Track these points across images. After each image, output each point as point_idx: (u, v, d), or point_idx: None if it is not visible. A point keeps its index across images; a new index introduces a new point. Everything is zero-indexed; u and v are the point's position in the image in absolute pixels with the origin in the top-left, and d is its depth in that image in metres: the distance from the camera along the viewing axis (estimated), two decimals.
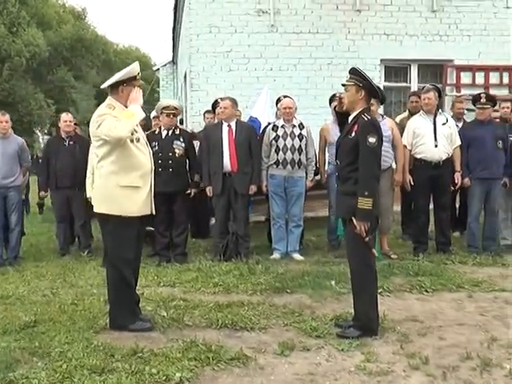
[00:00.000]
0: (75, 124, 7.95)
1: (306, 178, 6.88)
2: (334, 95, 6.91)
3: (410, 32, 10.32)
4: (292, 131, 6.77)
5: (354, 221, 4.07)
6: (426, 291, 5.36)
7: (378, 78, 9.98)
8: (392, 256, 6.67)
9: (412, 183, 6.72)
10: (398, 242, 7.49)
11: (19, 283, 5.95)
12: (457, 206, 7.77)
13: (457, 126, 7.03)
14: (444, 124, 6.65)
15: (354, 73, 4.19)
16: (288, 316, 4.66)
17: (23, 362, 3.73)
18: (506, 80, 10.44)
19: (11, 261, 6.95)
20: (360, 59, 9.91)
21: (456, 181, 6.74)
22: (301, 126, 6.82)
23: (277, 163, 6.76)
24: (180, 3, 12.90)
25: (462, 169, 6.74)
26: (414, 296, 5.26)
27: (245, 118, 7.95)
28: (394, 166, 6.71)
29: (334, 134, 6.74)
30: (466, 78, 10.41)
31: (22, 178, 7.29)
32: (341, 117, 4.43)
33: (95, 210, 4.34)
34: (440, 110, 6.83)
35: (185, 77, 12.50)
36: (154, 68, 21.83)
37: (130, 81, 4.23)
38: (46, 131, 33.14)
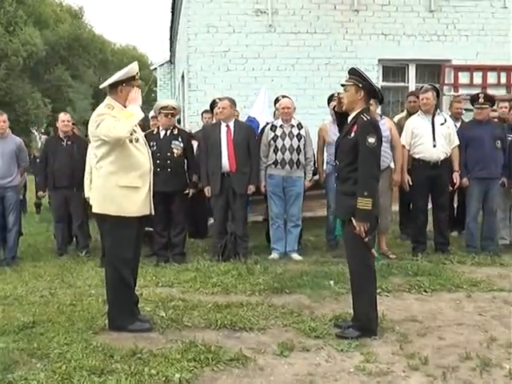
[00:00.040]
0: (73, 124, 7.93)
1: (305, 178, 6.87)
2: (332, 95, 6.91)
3: (408, 32, 10.34)
4: (290, 131, 6.76)
5: (354, 221, 4.07)
6: (425, 291, 5.36)
7: (375, 78, 9.99)
8: (390, 256, 6.67)
9: (410, 183, 6.72)
10: (396, 242, 7.50)
11: (17, 283, 5.92)
12: (455, 205, 7.78)
13: (455, 125, 7.03)
14: (442, 124, 6.65)
15: (354, 73, 4.19)
16: (287, 316, 4.65)
17: (22, 363, 3.71)
18: (503, 80, 10.48)
19: (9, 261, 6.92)
20: (358, 59, 9.93)
21: (454, 181, 6.74)
22: (299, 126, 6.81)
23: (275, 163, 6.76)
24: (178, 3, 12.89)
25: (460, 169, 6.74)
26: (412, 296, 5.26)
27: (243, 118, 7.94)
28: (392, 165, 6.71)
29: (333, 133, 6.75)
30: (463, 77, 10.45)
31: (20, 178, 7.27)
32: (340, 117, 4.43)
33: (94, 210, 4.33)
34: (438, 110, 6.83)
35: (182, 77, 12.47)
36: (152, 68, 21.76)
37: (129, 81, 4.22)
38: (42, 130, 33.05)
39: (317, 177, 7.16)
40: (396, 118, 7.72)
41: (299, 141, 6.75)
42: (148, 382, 3.44)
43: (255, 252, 7.04)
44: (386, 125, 6.48)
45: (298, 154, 6.74)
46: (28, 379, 3.45)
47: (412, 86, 10.55)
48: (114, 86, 4.24)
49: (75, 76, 34.59)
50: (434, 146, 6.58)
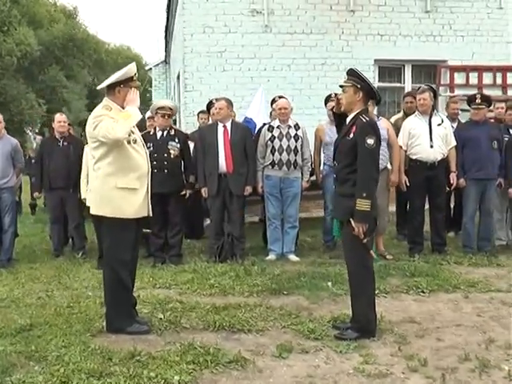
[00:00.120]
0: (69, 124, 7.89)
1: (302, 178, 6.86)
2: (329, 96, 6.90)
3: (404, 32, 10.34)
4: (288, 132, 6.75)
5: (352, 222, 4.06)
6: (423, 292, 5.36)
7: (371, 79, 9.95)
8: (387, 257, 6.67)
9: (407, 184, 6.73)
10: (393, 243, 7.51)
11: (13, 285, 5.89)
12: (451, 206, 7.79)
13: (451, 126, 7.04)
14: (439, 125, 6.65)
15: (352, 74, 4.19)
16: (285, 318, 4.65)
17: (20, 366, 3.69)
18: (499, 80, 10.50)
19: (4, 263, 6.87)
20: (354, 59, 9.94)
21: (451, 181, 6.75)
22: (296, 127, 6.81)
23: (272, 164, 6.75)
24: (173, 3, 12.85)
25: (457, 169, 6.75)
26: (410, 297, 5.27)
27: (239, 119, 7.92)
28: (389, 166, 6.70)
29: (329, 134, 6.76)
30: (459, 78, 10.46)
31: (16, 179, 7.23)
32: (338, 118, 4.42)
33: (92, 211, 4.30)
34: (435, 111, 6.84)
35: (178, 77, 12.45)
36: (146, 68, 21.72)
37: (126, 82, 4.20)
38: (36, 131, 32.92)
39: (313, 177, 7.16)
40: (393, 119, 7.71)
41: (296, 141, 6.74)
42: None
43: (252, 253, 7.04)
44: (382, 125, 6.47)
45: (295, 155, 6.73)
46: (26, 382, 3.43)
47: (408, 86, 10.55)
48: (111, 87, 4.22)
49: (70, 76, 34.47)
50: (431, 146, 6.58)
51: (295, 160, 6.73)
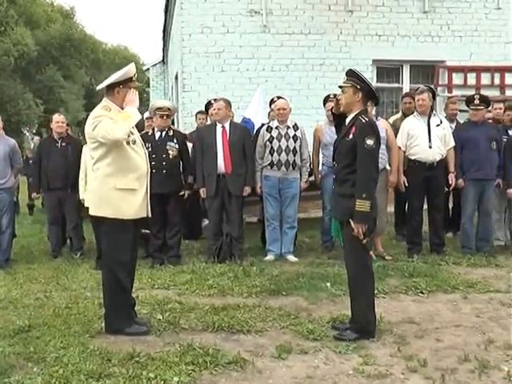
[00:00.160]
0: (67, 125, 7.87)
1: (301, 179, 6.86)
2: (328, 96, 6.90)
3: (402, 33, 10.36)
4: (286, 132, 6.75)
5: (352, 223, 4.06)
6: (422, 292, 5.36)
7: (369, 79, 9.85)
8: (386, 257, 6.67)
9: (406, 184, 6.73)
10: (391, 243, 7.50)
11: (11, 286, 5.87)
12: (450, 206, 7.79)
13: (450, 127, 7.04)
14: (438, 125, 6.66)
15: (352, 74, 4.19)
16: (284, 319, 4.64)
17: (18, 367, 3.68)
18: (497, 81, 10.53)
19: (2, 263, 6.85)
20: (352, 60, 9.96)
21: (450, 182, 6.75)
22: (295, 127, 6.80)
23: (271, 164, 6.74)
24: (171, 3, 12.84)
25: (455, 170, 6.75)
26: (409, 297, 5.27)
27: (237, 119, 7.91)
28: (388, 167, 6.70)
29: (328, 134, 6.76)
30: (457, 78, 10.49)
31: (14, 179, 7.21)
32: (338, 118, 4.42)
33: (91, 212, 4.29)
34: (434, 111, 6.84)
35: (176, 77, 12.44)
36: (144, 68, 21.69)
37: (126, 82, 4.19)
38: (34, 131, 32.84)
39: (312, 178, 7.16)
40: (391, 119, 7.71)
41: (295, 142, 6.73)
42: None
43: (250, 253, 7.03)
44: (381, 126, 6.47)
45: (294, 156, 6.72)
46: None
47: (406, 86, 10.57)
48: (110, 88, 4.21)
49: (67, 76, 34.38)
50: (430, 147, 6.59)
51: (294, 160, 6.73)
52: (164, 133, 6.74)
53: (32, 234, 9.34)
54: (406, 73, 10.68)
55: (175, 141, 6.72)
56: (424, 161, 6.63)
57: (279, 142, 6.71)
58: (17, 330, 4.35)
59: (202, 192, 6.84)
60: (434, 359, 3.81)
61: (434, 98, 6.89)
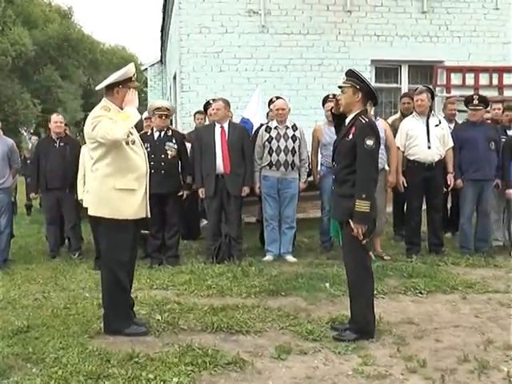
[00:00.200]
0: (65, 125, 7.86)
1: (299, 179, 6.85)
2: (327, 96, 6.91)
3: (401, 33, 10.37)
4: (285, 132, 6.74)
5: (351, 223, 4.05)
6: (421, 293, 5.36)
7: (368, 79, 9.96)
8: (385, 257, 6.67)
9: (405, 185, 6.73)
10: (390, 243, 7.50)
11: (10, 287, 5.85)
12: (448, 206, 7.79)
13: (449, 127, 7.04)
14: (437, 125, 6.66)
15: (351, 75, 4.19)
16: (283, 319, 4.64)
17: (17, 368, 3.67)
18: (495, 81, 10.55)
19: (0, 264, 6.82)
20: (350, 60, 9.97)
21: (448, 182, 6.76)
22: (294, 128, 6.79)
23: (270, 165, 6.73)
24: (169, 3, 12.84)
25: (454, 170, 6.75)
26: (408, 298, 5.26)
27: (236, 119, 7.91)
28: (386, 167, 6.70)
29: (327, 135, 6.76)
30: (456, 79, 10.51)
31: (12, 179, 7.19)
32: (337, 119, 4.41)
33: (90, 212, 4.28)
34: (433, 112, 6.83)
35: (174, 77, 12.43)
36: (142, 68, 21.67)
37: (125, 82, 4.18)
38: (31, 131, 32.78)
39: (311, 178, 7.15)
40: (390, 120, 7.71)
41: (294, 142, 6.72)
42: None
43: (249, 254, 7.03)
44: (380, 126, 6.46)
45: (293, 156, 6.71)
46: None
47: (404, 86, 10.59)
48: (110, 88, 4.20)
49: (64, 76, 34.33)
50: (429, 147, 6.58)
51: (293, 161, 6.72)
52: (163, 133, 6.72)
53: (30, 234, 9.32)
54: (404, 73, 10.69)
55: (174, 141, 6.71)
56: (423, 161, 6.63)
57: (278, 142, 6.70)
58: (15, 331, 4.33)
59: (201, 192, 6.83)
60: (433, 360, 3.81)
61: (432, 98, 6.89)
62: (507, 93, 10.56)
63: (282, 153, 6.68)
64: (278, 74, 10.08)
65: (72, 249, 7.44)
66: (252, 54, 10.04)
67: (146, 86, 21.16)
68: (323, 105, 7.03)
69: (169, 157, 6.63)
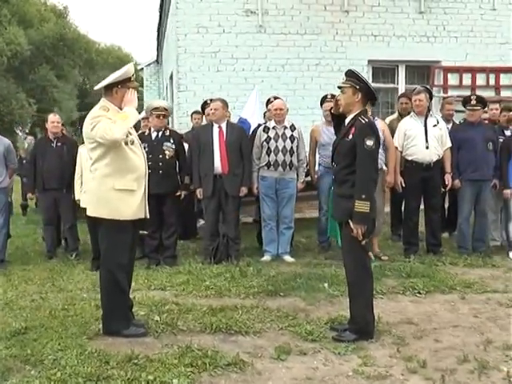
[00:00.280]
0: (62, 125, 7.82)
1: (297, 179, 6.84)
2: (325, 96, 6.90)
3: (398, 33, 10.36)
4: (283, 133, 6.72)
5: (351, 224, 4.04)
6: (419, 293, 5.36)
7: None
8: (383, 258, 6.67)
9: (403, 185, 6.72)
10: (388, 244, 7.49)
11: (6, 287, 5.82)
12: (445, 206, 7.79)
13: (446, 127, 7.04)
14: (435, 126, 6.65)
15: (351, 75, 4.18)
16: (282, 320, 4.63)
17: (16, 370, 3.64)
18: (492, 81, 10.55)
19: None
20: (348, 60, 9.95)
21: (446, 182, 6.76)
22: (292, 128, 6.77)
23: (268, 165, 6.71)
24: (166, 2, 12.80)
25: (452, 170, 6.76)
26: (407, 298, 5.26)
27: (234, 119, 7.89)
28: (384, 167, 6.70)
29: (325, 134, 6.76)
30: (453, 79, 10.51)
31: (9, 179, 7.15)
32: (337, 119, 4.40)
33: (89, 213, 4.25)
34: (431, 112, 6.83)
35: (171, 77, 12.40)
36: (138, 67, 21.63)
37: (124, 82, 4.16)
38: (27, 131, 32.67)
39: (308, 178, 7.14)
40: (387, 120, 7.70)
41: (292, 142, 6.71)
42: None
43: (246, 254, 7.01)
44: (378, 126, 6.45)
45: (291, 156, 6.70)
46: None
47: (402, 87, 10.58)
48: (109, 88, 4.17)
49: (60, 76, 34.23)
50: (427, 147, 6.58)
51: (291, 161, 6.70)
52: (160, 133, 6.70)
53: (26, 235, 9.28)
54: (401, 73, 10.68)
55: (172, 141, 6.68)
56: (421, 161, 6.62)
57: (276, 142, 6.69)
58: (13, 332, 4.31)
59: (199, 192, 6.81)
60: (433, 360, 3.81)
61: (430, 98, 6.88)
62: (504, 93, 10.57)
63: (280, 153, 6.66)
64: (276, 73, 10.07)
65: (69, 249, 7.41)
66: (249, 54, 10.02)
67: (142, 86, 21.10)
68: (321, 105, 7.02)
69: (167, 157, 6.61)
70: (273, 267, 6.37)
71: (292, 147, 6.70)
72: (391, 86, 10.72)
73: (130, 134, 4.21)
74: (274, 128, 6.75)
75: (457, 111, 8.03)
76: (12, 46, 27.73)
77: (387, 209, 7.58)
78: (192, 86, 9.94)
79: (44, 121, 7.75)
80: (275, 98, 7.19)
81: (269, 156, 6.69)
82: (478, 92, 9.33)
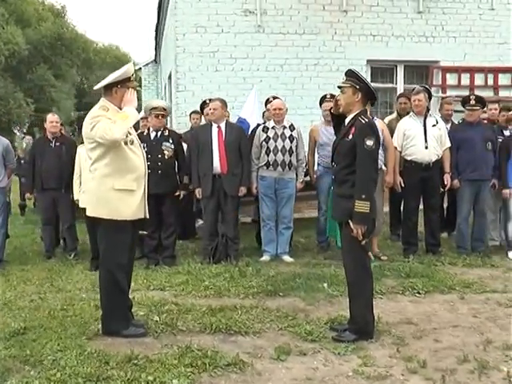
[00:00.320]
0: (61, 124, 7.81)
1: (297, 179, 6.83)
2: (324, 96, 6.89)
3: (396, 33, 10.37)
4: (283, 132, 6.72)
5: (351, 224, 4.04)
6: (418, 293, 5.36)
7: None
8: (382, 258, 6.67)
9: (402, 185, 6.72)
10: (387, 244, 7.49)
11: (5, 288, 5.80)
12: (444, 206, 7.80)
13: (446, 127, 7.04)
14: (434, 126, 6.65)
15: (351, 75, 4.18)
16: (282, 320, 4.62)
17: (15, 370, 3.63)
18: (490, 81, 10.57)
19: None
20: (346, 60, 9.96)
21: (445, 182, 6.76)
22: (291, 128, 6.77)
23: (267, 165, 6.71)
24: (165, 2, 12.78)
25: (451, 170, 6.76)
26: (406, 298, 5.26)
27: (232, 119, 7.88)
28: (384, 167, 6.69)
29: (324, 134, 6.76)
30: (451, 79, 10.53)
31: (7, 179, 7.14)
32: (336, 119, 4.40)
33: (88, 213, 4.24)
34: (430, 112, 6.83)
35: (169, 77, 12.39)
36: (136, 67, 21.58)
37: (124, 82, 4.15)
38: (24, 131, 32.61)
39: (307, 178, 7.14)
40: (386, 120, 7.70)
41: (291, 142, 6.70)
42: None
43: (245, 254, 7.01)
44: (378, 126, 6.44)
45: (290, 156, 6.69)
46: None
47: (400, 87, 10.59)
48: (108, 88, 4.16)
49: (58, 75, 34.14)
50: (426, 147, 6.58)
51: (290, 161, 6.70)
52: (159, 133, 6.69)
53: (25, 235, 9.25)
54: (400, 73, 10.69)
55: (171, 141, 6.67)
56: (420, 161, 6.62)
57: (275, 142, 6.68)
58: (12, 333, 4.29)
59: (198, 192, 6.80)
60: (433, 360, 3.81)
61: (430, 98, 6.89)
62: (502, 93, 10.59)
63: (280, 153, 6.65)
64: (274, 73, 10.07)
65: (68, 249, 7.39)
66: (248, 54, 10.01)
67: (140, 86, 21.07)
68: (320, 105, 7.01)
69: (165, 157, 6.60)
70: (272, 267, 6.37)
71: (291, 147, 6.69)
72: (390, 85, 10.73)
73: (130, 133, 4.20)
74: (273, 128, 6.74)
75: (456, 111, 8.04)
76: (10, 45, 27.66)
77: (386, 209, 7.58)
78: (191, 86, 9.94)
79: (42, 120, 7.74)
80: (274, 97, 7.19)
81: (268, 156, 6.68)
82: (477, 92, 9.34)
